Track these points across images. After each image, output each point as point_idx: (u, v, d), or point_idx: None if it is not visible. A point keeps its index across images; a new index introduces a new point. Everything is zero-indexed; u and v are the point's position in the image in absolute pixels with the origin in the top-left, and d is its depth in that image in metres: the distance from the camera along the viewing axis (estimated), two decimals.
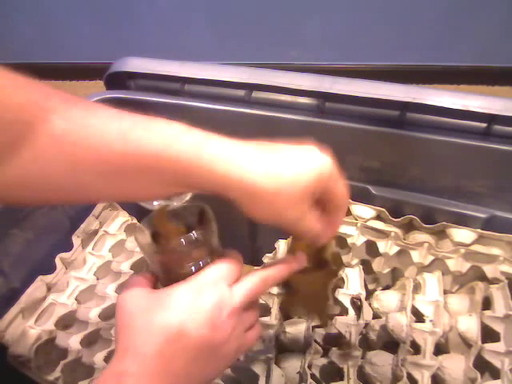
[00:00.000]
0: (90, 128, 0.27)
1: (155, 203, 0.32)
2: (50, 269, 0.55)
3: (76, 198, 0.32)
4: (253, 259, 0.63)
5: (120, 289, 0.59)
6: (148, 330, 0.30)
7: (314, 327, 0.51)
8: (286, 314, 0.53)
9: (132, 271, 0.60)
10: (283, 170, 0.29)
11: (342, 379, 0.46)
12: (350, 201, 0.57)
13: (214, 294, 0.31)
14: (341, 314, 0.52)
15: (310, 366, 0.48)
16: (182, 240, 0.31)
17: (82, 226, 0.59)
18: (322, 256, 0.38)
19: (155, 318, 0.30)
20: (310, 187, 0.29)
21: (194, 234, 0.31)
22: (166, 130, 0.28)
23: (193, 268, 0.32)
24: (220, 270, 0.32)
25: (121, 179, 0.29)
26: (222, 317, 0.30)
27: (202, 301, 0.30)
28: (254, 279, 0.33)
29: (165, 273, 0.33)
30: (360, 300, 0.51)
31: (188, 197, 0.33)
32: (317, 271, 0.39)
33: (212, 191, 0.29)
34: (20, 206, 0.50)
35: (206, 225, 0.33)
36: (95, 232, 0.60)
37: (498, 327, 0.46)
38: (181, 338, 0.29)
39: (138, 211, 0.66)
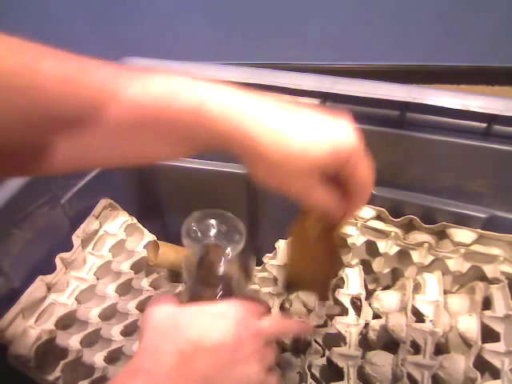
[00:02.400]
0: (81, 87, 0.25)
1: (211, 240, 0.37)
2: (50, 269, 0.55)
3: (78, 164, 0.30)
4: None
5: (120, 289, 0.59)
6: (171, 333, 0.30)
7: (313, 327, 0.51)
8: (286, 312, 0.53)
9: (132, 271, 0.60)
10: (294, 136, 0.25)
11: (341, 379, 0.46)
12: None
13: (240, 312, 0.31)
14: (341, 314, 0.52)
15: (309, 366, 0.48)
16: (223, 258, 0.35)
17: (82, 226, 0.59)
18: (328, 239, 0.35)
19: (181, 323, 0.30)
20: (319, 161, 0.26)
21: (232, 258, 0.34)
22: (164, 86, 0.26)
23: (220, 293, 0.34)
24: (248, 303, 0.33)
25: (119, 139, 0.27)
26: (246, 334, 0.31)
27: (229, 315, 0.31)
28: (278, 319, 0.34)
29: (196, 291, 0.35)
30: (360, 300, 0.51)
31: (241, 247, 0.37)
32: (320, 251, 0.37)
33: (217, 148, 0.27)
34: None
35: (245, 264, 0.36)
36: (95, 232, 0.60)
37: (498, 327, 0.46)
38: (203, 340, 0.29)
39: (138, 211, 0.66)
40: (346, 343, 0.49)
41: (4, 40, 0.24)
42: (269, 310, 0.35)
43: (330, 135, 0.26)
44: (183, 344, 0.29)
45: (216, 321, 0.30)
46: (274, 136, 0.25)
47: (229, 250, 0.36)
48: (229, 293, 0.34)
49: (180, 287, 0.63)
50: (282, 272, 0.50)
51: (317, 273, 0.41)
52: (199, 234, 0.37)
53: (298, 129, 0.25)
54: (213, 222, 0.38)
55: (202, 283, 0.35)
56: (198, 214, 0.38)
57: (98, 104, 0.25)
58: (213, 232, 0.37)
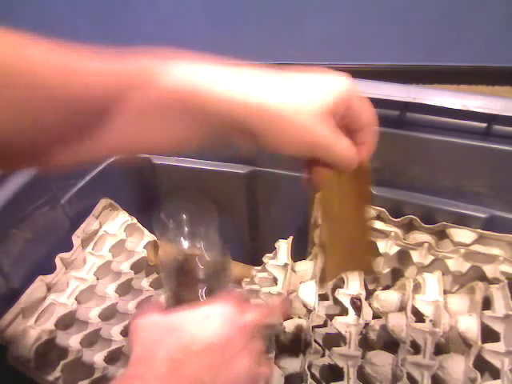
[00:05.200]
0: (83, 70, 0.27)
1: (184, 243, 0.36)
2: (50, 269, 0.55)
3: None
4: (253, 259, 0.63)
5: (120, 289, 0.59)
6: (161, 341, 0.30)
7: (313, 327, 0.51)
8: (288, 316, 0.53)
9: (132, 271, 0.60)
10: (300, 92, 0.28)
11: (341, 379, 0.46)
12: None
13: (225, 311, 0.32)
14: (341, 314, 0.52)
15: (309, 366, 0.48)
16: (198, 262, 0.36)
17: (82, 226, 0.59)
18: (357, 184, 0.35)
19: (169, 331, 0.31)
20: (329, 104, 0.28)
21: (207, 263, 0.35)
22: (182, 70, 0.28)
23: (202, 295, 0.35)
24: (230, 299, 0.33)
25: (145, 124, 0.28)
26: (233, 331, 0.31)
27: (214, 316, 0.32)
28: (261, 307, 0.35)
29: (178, 295, 0.35)
30: (360, 300, 0.51)
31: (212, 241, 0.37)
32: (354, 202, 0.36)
33: (229, 123, 0.28)
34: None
35: (221, 262, 0.36)
36: (95, 232, 0.60)
37: (498, 327, 0.46)
38: (193, 345, 0.30)
39: (138, 212, 0.66)
40: (346, 343, 0.49)
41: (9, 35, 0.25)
42: (248, 301, 0.36)
43: (329, 82, 0.29)
44: (173, 351, 0.30)
45: (202, 324, 0.31)
46: (283, 96, 0.27)
47: (203, 246, 0.36)
48: (211, 291, 0.35)
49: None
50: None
51: (357, 238, 0.38)
52: (171, 225, 0.37)
53: (301, 86, 0.28)
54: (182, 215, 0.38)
55: (184, 287, 0.35)
56: (166, 210, 0.38)
57: (124, 90, 0.26)
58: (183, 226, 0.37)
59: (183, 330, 0.31)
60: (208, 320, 0.31)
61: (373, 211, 0.56)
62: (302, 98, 0.27)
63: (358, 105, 0.30)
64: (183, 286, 0.35)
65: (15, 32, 0.25)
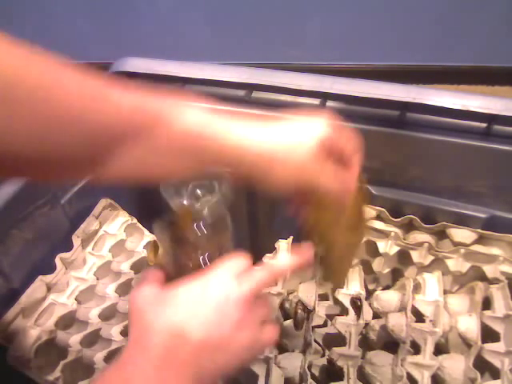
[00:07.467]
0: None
1: (182, 202, 0.35)
2: (50, 269, 0.55)
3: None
4: (253, 259, 0.63)
5: (120, 289, 0.59)
6: (155, 325, 0.30)
7: (313, 327, 0.51)
8: (286, 313, 0.53)
9: (132, 271, 0.60)
10: (288, 136, 0.33)
11: (341, 379, 0.46)
12: None
13: (219, 284, 0.32)
14: (341, 314, 0.52)
15: (309, 366, 0.48)
16: (196, 228, 0.33)
17: (82, 226, 0.59)
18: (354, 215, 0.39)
19: (163, 313, 0.31)
20: (314, 146, 0.33)
21: (205, 224, 0.33)
22: (196, 116, 0.32)
23: (201, 261, 0.33)
24: (227, 264, 0.33)
25: (161, 159, 0.31)
26: (229, 304, 0.31)
27: (208, 293, 0.31)
28: (261, 270, 0.34)
29: (176, 265, 0.34)
30: (360, 300, 0.51)
31: (212, 201, 0.36)
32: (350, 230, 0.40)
33: (226, 165, 0.33)
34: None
35: (219, 221, 0.34)
36: (95, 232, 0.60)
37: (498, 327, 0.46)
38: (186, 329, 0.30)
39: (139, 211, 0.66)
40: (346, 343, 0.49)
41: (25, 53, 0.26)
42: (251, 260, 0.35)
43: (312, 128, 0.34)
44: (166, 337, 0.29)
45: (198, 302, 0.31)
46: (276, 142, 0.33)
47: (203, 209, 0.35)
48: (211, 254, 0.34)
49: None
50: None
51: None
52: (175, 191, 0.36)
53: (290, 131, 0.34)
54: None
55: (180, 250, 0.33)
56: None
57: (141, 126, 0.30)
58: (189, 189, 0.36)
59: (178, 311, 0.30)
60: (203, 297, 0.31)
61: (373, 211, 0.56)
62: (291, 143, 0.33)
63: (340, 139, 0.34)
64: (179, 248, 0.34)
65: (50, 56, 0.27)
